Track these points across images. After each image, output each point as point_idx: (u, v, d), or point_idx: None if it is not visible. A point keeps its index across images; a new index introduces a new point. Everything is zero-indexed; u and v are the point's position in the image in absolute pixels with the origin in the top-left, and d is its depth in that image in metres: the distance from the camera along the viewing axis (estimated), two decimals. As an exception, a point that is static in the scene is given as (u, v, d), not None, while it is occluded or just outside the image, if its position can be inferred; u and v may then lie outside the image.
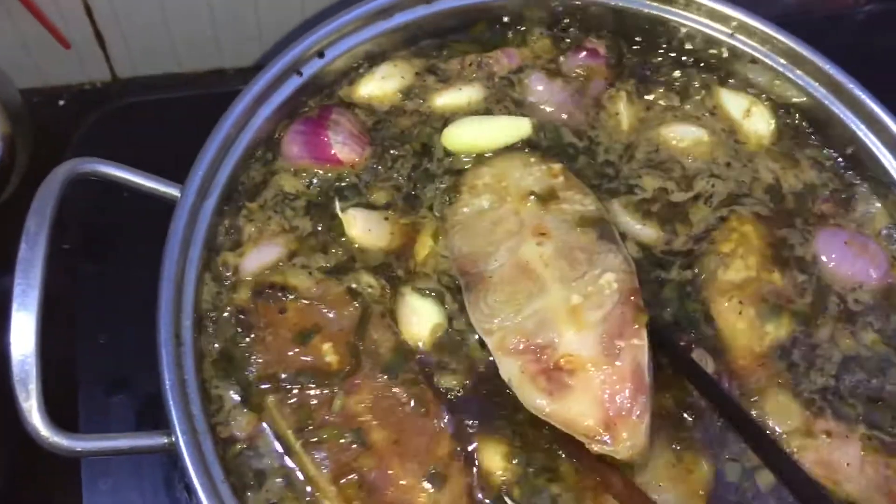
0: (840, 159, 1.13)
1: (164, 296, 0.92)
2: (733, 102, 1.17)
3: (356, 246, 1.03)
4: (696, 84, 1.18)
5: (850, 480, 0.94)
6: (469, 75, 1.16)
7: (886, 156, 1.09)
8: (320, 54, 1.09)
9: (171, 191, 0.98)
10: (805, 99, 1.14)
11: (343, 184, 1.07)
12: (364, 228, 1.03)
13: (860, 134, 1.10)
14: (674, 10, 1.17)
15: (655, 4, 1.17)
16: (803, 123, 1.15)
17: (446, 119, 1.12)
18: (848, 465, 0.94)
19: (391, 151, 1.09)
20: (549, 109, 1.14)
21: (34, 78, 1.40)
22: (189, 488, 1.05)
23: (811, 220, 1.09)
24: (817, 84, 1.13)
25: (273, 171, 1.07)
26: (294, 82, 1.07)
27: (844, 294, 1.05)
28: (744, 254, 1.04)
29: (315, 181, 1.07)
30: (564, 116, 1.14)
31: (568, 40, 1.20)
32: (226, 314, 0.98)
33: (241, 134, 1.03)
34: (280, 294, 0.99)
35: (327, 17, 1.36)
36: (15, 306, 0.87)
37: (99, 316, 1.16)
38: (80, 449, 0.87)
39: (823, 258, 1.06)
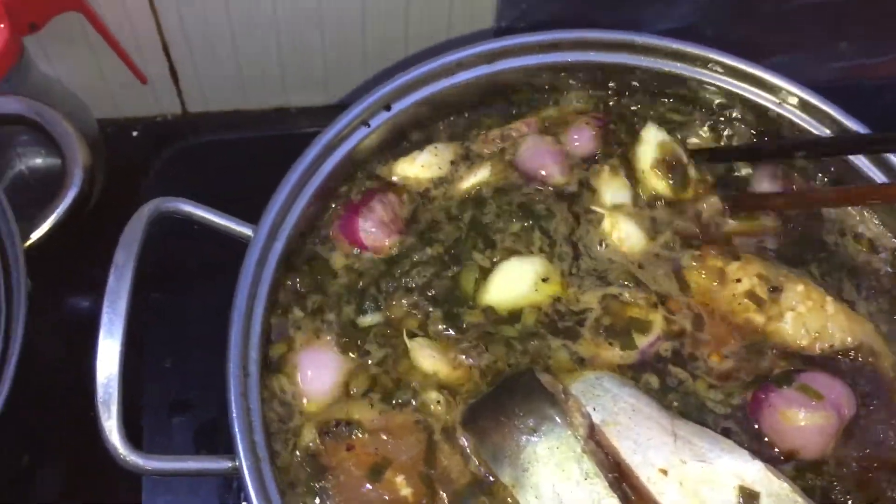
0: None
1: (235, 329, 0.98)
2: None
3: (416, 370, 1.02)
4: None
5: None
6: (493, 151, 1.18)
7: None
8: (387, 107, 1.14)
9: (245, 230, 1.04)
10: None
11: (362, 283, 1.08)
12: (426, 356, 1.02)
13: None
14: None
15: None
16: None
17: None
18: None
19: (426, 249, 1.11)
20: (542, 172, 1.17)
21: (109, 109, 1.47)
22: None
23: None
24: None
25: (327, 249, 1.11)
26: (361, 132, 1.13)
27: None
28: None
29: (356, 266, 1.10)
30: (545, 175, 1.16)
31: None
32: (297, 458, 0.97)
33: (311, 180, 1.09)
34: (346, 430, 0.98)
35: (388, 65, 1.44)
36: (102, 334, 0.94)
37: (166, 342, 1.23)
38: (151, 468, 0.93)
39: None
